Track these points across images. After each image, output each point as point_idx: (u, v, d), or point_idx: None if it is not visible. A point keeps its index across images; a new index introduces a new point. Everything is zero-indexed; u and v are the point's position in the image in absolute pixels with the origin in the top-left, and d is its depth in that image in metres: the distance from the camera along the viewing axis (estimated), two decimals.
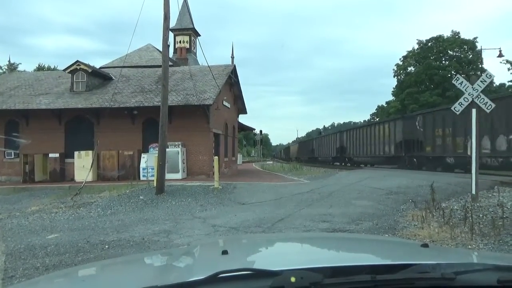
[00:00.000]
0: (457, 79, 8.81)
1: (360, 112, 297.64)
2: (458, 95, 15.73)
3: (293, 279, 1.05)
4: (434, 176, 12.88)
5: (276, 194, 11.57)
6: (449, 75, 36.12)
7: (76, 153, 18.14)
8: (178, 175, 16.81)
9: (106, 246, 6.17)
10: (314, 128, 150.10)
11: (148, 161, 16.73)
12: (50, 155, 18.61)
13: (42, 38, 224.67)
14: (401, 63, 42.47)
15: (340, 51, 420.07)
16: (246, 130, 35.04)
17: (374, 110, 56.79)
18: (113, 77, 20.95)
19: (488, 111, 8.56)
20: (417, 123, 19.76)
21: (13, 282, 4.39)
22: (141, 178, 16.76)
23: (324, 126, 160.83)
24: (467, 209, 6.93)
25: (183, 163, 17.55)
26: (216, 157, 14.56)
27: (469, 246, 5.30)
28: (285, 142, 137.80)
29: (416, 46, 40.84)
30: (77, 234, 7.27)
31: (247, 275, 1.12)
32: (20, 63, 52.90)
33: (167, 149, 13.07)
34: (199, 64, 28.16)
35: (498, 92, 29.46)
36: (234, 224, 7.59)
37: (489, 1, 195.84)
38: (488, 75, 8.59)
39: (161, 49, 14.15)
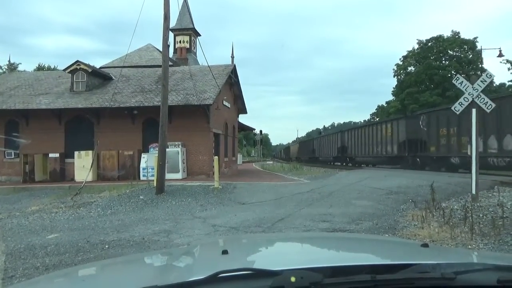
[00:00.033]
0: (457, 79, 8.81)
1: (360, 112, 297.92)
2: (458, 95, 15.68)
3: (293, 279, 1.05)
4: (434, 176, 12.88)
5: (276, 194, 11.57)
6: (449, 75, 36.11)
7: (76, 153, 18.14)
8: (178, 175, 16.81)
9: (106, 246, 6.17)
10: (314, 128, 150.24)
11: (148, 161, 16.73)
12: (50, 155, 18.62)
13: (42, 38, 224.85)
14: (401, 63, 42.46)
15: (340, 51, 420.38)
16: (246, 130, 35.05)
17: (374, 110, 56.90)
18: (113, 77, 20.95)
19: (488, 111, 8.56)
20: (420, 123, 19.52)
21: (13, 282, 4.39)
22: (141, 178, 16.76)
23: (324, 126, 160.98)
24: (467, 209, 6.93)
25: (183, 163, 17.55)
26: (216, 157, 14.56)
27: (469, 246, 5.30)
28: (285, 142, 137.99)
29: (416, 46, 40.84)
30: (77, 234, 7.27)
31: (247, 275, 1.12)
32: (20, 63, 52.92)
33: (167, 149, 13.07)
34: (199, 64, 28.16)
35: (498, 92, 29.42)
36: (234, 224, 7.59)
37: (489, 1, 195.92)
38: (488, 75, 8.59)
39: (161, 49, 14.15)
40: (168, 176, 13.74)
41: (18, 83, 21.37)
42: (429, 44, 39.78)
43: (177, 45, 32.69)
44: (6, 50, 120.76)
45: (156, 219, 8.63)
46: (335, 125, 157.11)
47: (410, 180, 12.52)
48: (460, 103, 8.63)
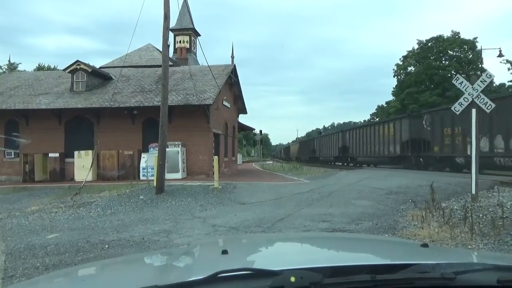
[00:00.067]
0: (457, 79, 8.82)
1: (360, 112, 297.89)
2: (458, 95, 15.64)
3: (293, 279, 1.05)
4: (434, 176, 12.88)
5: (276, 194, 11.57)
6: (449, 75, 36.10)
7: (76, 152, 18.14)
8: (178, 175, 16.81)
9: (106, 246, 6.17)
10: (314, 128, 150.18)
11: (148, 161, 16.73)
12: (50, 154, 18.61)
13: (42, 37, 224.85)
14: (401, 63, 42.46)
15: (340, 51, 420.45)
16: (246, 130, 35.04)
17: (374, 110, 56.89)
18: (113, 77, 20.95)
19: (488, 111, 8.57)
20: (424, 122, 19.30)
21: (13, 282, 4.39)
22: (141, 178, 16.76)
23: (324, 126, 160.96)
24: (467, 209, 6.93)
25: (183, 163, 17.55)
26: (216, 157, 14.57)
27: (469, 246, 5.30)
28: (285, 142, 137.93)
29: (416, 46, 40.84)
30: (77, 233, 7.27)
31: (247, 275, 1.12)
32: (20, 63, 52.89)
33: (167, 149, 13.07)
34: (199, 64, 28.16)
35: (498, 92, 29.42)
36: (234, 224, 7.59)
37: (489, 1, 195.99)
38: (488, 75, 8.59)
39: (161, 49, 14.15)
40: (168, 176, 13.74)
41: (18, 83, 21.37)
42: (429, 44, 39.78)
43: (177, 45, 32.69)
44: (6, 50, 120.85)
45: (156, 219, 8.63)
46: (335, 125, 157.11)
47: (410, 180, 12.52)
48: (460, 103, 8.64)
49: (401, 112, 35.24)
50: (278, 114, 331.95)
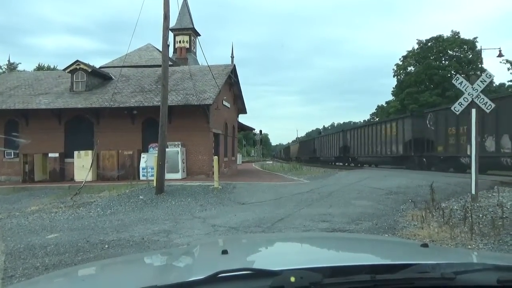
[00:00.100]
0: (457, 79, 8.82)
1: (360, 112, 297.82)
2: (458, 95, 15.58)
3: (293, 279, 1.05)
4: (434, 176, 12.89)
5: (276, 194, 11.57)
6: (449, 75, 36.11)
7: (75, 153, 18.14)
8: (178, 175, 16.81)
9: (106, 246, 6.17)
10: (314, 128, 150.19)
11: (148, 161, 16.74)
12: (50, 154, 18.61)
13: (42, 37, 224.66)
14: (401, 63, 42.49)
15: (340, 51, 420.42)
16: (246, 130, 35.05)
17: (374, 110, 56.93)
18: (113, 77, 20.95)
19: (488, 111, 8.57)
20: (427, 122, 19.02)
21: (12, 282, 4.39)
22: (141, 178, 16.76)
23: (324, 126, 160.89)
24: (466, 209, 6.93)
25: (183, 163, 17.55)
26: (216, 157, 14.58)
27: (469, 246, 5.31)
28: (285, 142, 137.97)
29: (416, 46, 40.87)
30: (76, 233, 7.27)
31: (247, 275, 1.12)
32: (20, 63, 52.91)
33: (166, 149, 13.07)
34: (199, 64, 28.16)
35: (498, 92, 29.42)
36: (234, 224, 7.59)
37: (489, 1, 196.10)
38: (488, 75, 8.60)
39: (161, 49, 14.15)
40: (168, 176, 13.74)
41: (18, 83, 21.37)
42: (429, 44, 39.81)
43: (177, 45, 32.71)
44: (5, 50, 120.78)
45: (156, 219, 8.63)
46: (335, 125, 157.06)
47: (410, 180, 12.53)
48: (460, 103, 8.64)
49: (401, 112, 35.25)
50: (278, 114, 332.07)
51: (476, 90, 8.35)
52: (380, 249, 1.93)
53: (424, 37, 53.05)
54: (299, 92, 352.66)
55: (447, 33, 39.68)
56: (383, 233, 6.34)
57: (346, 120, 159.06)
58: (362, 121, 73.27)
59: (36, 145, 18.00)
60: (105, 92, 19.44)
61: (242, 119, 28.19)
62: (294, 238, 2.91)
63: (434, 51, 39.59)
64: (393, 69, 43.18)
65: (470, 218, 6.30)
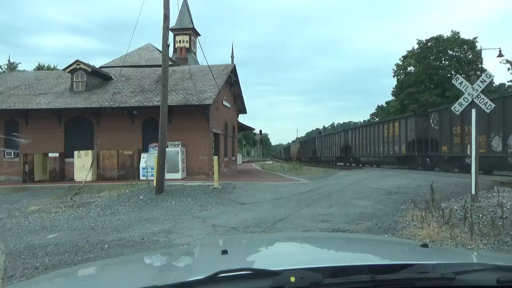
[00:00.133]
0: (457, 79, 8.83)
1: (360, 112, 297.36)
2: (458, 95, 15.53)
3: (293, 279, 1.05)
4: (434, 176, 12.90)
5: (276, 194, 11.57)
6: (449, 75, 36.12)
7: (75, 152, 18.13)
8: (178, 175, 16.81)
9: (106, 246, 6.17)
10: (314, 128, 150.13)
11: (148, 161, 16.72)
12: (50, 154, 18.61)
13: (42, 37, 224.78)
14: (401, 63, 42.48)
15: (340, 51, 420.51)
16: (246, 130, 35.03)
17: (373, 110, 56.93)
18: (113, 77, 20.94)
19: (487, 111, 8.59)
20: (431, 121, 18.82)
21: (12, 282, 4.39)
22: (141, 178, 16.75)
23: (324, 126, 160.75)
24: (466, 209, 6.94)
25: (183, 163, 17.55)
26: (216, 157, 14.58)
27: (469, 246, 5.31)
28: (285, 142, 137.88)
29: (416, 46, 40.86)
30: (76, 233, 7.27)
31: (247, 275, 1.12)
32: (20, 63, 52.90)
33: (166, 149, 13.07)
34: (198, 64, 28.17)
35: (497, 92, 29.40)
36: (234, 224, 7.59)
37: (489, 1, 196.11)
38: (487, 75, 8.60)
39: (161, 49, 14.15)
40: (168, 176, 13.73)
41: (18, 83, 21.36)
42: (429, 44, 39.79)
43: (177, 45, 32.71)
44: (5, 50, 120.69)
45: (156, 219, 8.63)
46: (335, 125, 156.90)
47: (410, 180, 12.53)
48: (460, 103, 8.65)
49: (401, 112, 35.23)
50: (278, 114, 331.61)
51: (476, 90, 8.36)
52: (380, 249, 1.93)
53: (424, 37, 53.14)
54: (299, 92, 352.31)
55: (447, 33, 39.70)
56: (383, 233, 6.34)
57: (346, 120, 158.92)
58: (362, 121, 73.31)
59: (36, 145, 18.00)
60: (105, 92, 19.44)
61: (242, 119, 28.22)
62: (294, 238, 2.91)
63: (434, 51, 39.58)
64: (393, 69, 43.22)
65: (470, 218, 6.30)
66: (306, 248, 2.04)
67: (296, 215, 8.25)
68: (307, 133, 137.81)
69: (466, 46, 38.38)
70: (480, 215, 6.98)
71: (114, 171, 17.74)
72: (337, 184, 12.99)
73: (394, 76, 43.30)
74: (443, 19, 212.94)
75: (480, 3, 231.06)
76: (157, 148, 13.08)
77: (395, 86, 43.49)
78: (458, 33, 39.10)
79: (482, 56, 34.30)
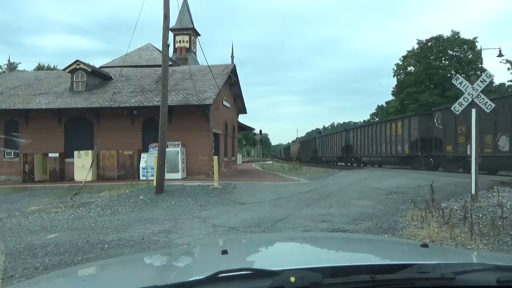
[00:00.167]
0: (457, 79, 8.83)
1: (360, 112, 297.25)
2: (458, 95, 15.48)
3: (292, 279, 1.05)
4: (434, 176, 12.90)
5: (276, 194, 11.57)
6: (449, 75, 36.12)
7: (75, 152, 18.13)
8: (178, 175, 16.81)
9: (106, 246, 6.17)
10: (314, 128, 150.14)
11: (148, 161, 16.72)
12: (50, 154, 18.61)
13: (42, 37, 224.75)
14: (401, 63, 42.49)
15: (340, 51, 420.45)
16: (246, 130, 35.03)
17: (373, 110, 56.95)
18: (113, 77, 20.94)
19: (487, 111, 8.58)
20: (435, 120, 18.59)
21: (12, 282, 4.39)
22: (141, 178, 16.75)
23: (324, 126, 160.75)
24: (466, 209, 6.94)
25: (183, 163, 17.55)
26: (216, 157, 14.58)
27: (469, 246, 5.31)
28: (285, 142, 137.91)
29: (416, 46, 40.87)
30: (76, 233, 7.27)
31: (247, 275, 1.12)
32: (20, 63, 52.89)
33: (166, 149, 13.07)
34: (198, 64, 28.16)
35: (497, 92, 29.40)
36: (234, 224, 7.59)
37: (489, 1, 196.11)
38: (487, 75, 8.60)
39: (161, 49, 14.15)
40: (168, 176, 13.73)
41: (18, 83, 21.36)
42: (429, 44, 39.80)
43: (177, 45, 32.71)
44: (5, 50, 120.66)
45: (156, 219, 8.63)
46: (335, 125, 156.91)
47: (410, 180, 12.53)
48: (460, 103, 8.65)
49: (401, 112, 35.22)
50: (278, 114, 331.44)
51: (476, 90, 8.36)
52: (380, 249, 1.93)
53: (424, 37, 53.12)
54: (299, 92, 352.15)
55: (447, 33, 39.72)
56: (383, 233, 6.35)
57: (346, 120, 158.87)
58: (362, 121, 73.28)
59: (36, 145, 18.00)
60: (105, 92, 19.44)
61: (242, 119, 28.21)
62: (294, 238, 2.91)
63: (434, 51, 39.59)
64: (393, 69, 43.24)
65: (470, 218, 6.30)
66: (306, 248, 2.04)
67: (296, 215, 8.25)
68: (307, 133, 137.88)
69: (466, 46, 38.38)
70: (480, 215, 6.98)
71: (114, 171, 17.74)
72: (337, 184, 12.99)
73: (394, 76, 43.36)
74: (443, 19, 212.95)
75: (480, 3, 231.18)
76: (157, 148, 13.08)
77: (395, 86, 43.51)
78: (458, 33, 39.14)
79: (482, 56, 34.32)
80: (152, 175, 13.80)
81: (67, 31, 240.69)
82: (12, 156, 19.43)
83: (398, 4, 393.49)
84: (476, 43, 37.88)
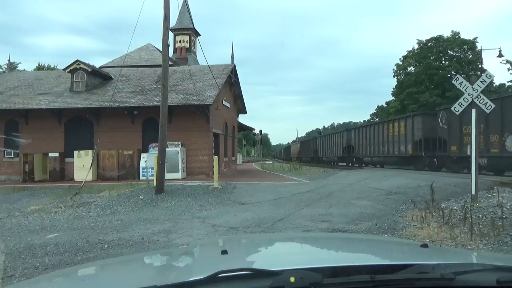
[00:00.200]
0: (457, 79, 8.83)
1: (360, 112, 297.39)
2: (458, 95, 15.45)
3: (292, 279, 1.05)
4: (435, 176, 12.90)
5: (276, 194, 11.57)
6: (449, 75, 36.12)
7: (75, 152, 18.13)
8: (178, 175, 16.81)
9: (106, 246, 6.17)
10: (314, 128, 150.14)
11: (148, 160, 16.72)
12: (50, 154, 18.61)
13: (42, 37, 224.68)
14: (401, 63, 42.49)
15: (340, 51, 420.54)
16: (246, 130, 35.03)
17: (373, 110, 56.95)
18: (113, 77, 20.94)
19: (487, 111, 8.58)
20: (440, 120, 18.36)
21: (12, 282, 4.39)
22: (141, 177, 16.75)
23: (324, 126, 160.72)
24: (466, 209, 6.93)
25: (183, 163, 17.55)
26: (216, 157, 14.58)
27: (469, 247, 5.31)
28: (285, 142, 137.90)
29: (416, 46, 40.88)
30: (76, 233, 7.26)
31: (247, 275, 1.12)
32: (20, 63, 52.87)
33: (166, 149, 13.07)
34: (199, 64, 28.16)
35: (497, 93, 29.38)
36: (233, 224, 7.59)
37: (489, 1, 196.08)
38: (488, 75, 8.61)
39: (161, 49, 14.15)
40: (168, 176, 13.73)
41: (18, 83, 21.36)
42: (429, 44, 39.80)
43: (177, 45, 32.71)
44: (5, 50, 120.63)
45: (156, 219, 8.63)
46: (335, 125, 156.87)
47: (410, 180, 12.53)
48: (460, 104, 8.65)
49: (401, 112, 35.21)
50: (278, 114, 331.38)
51: (476, 91, 8.36)
52: (380, 249, 1.93)
53: (424, 37, 53.20)
54: (299, 92, 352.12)
55: (447, 33, 39.73)
56: (383, 233, 6.35)
57: (346, 120, 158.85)
58: (362, 121, 73.30)
59: (36, 145, 18.00)
60: (105, 92, 19.44)
61: (242, 119, 28.21)
62: (294, 238, 2.91)
63: (434, 51, 39.59)
64: (393, 69, 43.25)
65: (469, 218, 6.30)
66: (306, 248, 2.04)
67: (296, 215, 8.25)
68: (307, 133, 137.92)
69: (466, 46, 38.39)
70: (480, 216, 6.98)
71: (114, 171, 17.74)
72: (337, 184, 12.99)
73: (394, 76, 43.36)
74: (443, 19, 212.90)
75: (480, 3, 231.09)
76: (157, 148, 13.08)
77: (395, 86, 43.51)
78: (458, 33, 39.15)
79: (482, 56, 34.36)
80: (152, 175, 13.80)
81: (67, 31, 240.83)
82: (12, 156, 19.44)
83: (398, 4, 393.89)
84: (476, 43, 37.92)
